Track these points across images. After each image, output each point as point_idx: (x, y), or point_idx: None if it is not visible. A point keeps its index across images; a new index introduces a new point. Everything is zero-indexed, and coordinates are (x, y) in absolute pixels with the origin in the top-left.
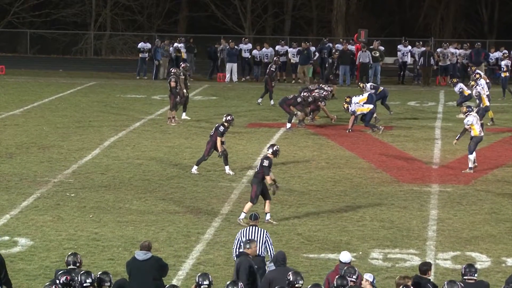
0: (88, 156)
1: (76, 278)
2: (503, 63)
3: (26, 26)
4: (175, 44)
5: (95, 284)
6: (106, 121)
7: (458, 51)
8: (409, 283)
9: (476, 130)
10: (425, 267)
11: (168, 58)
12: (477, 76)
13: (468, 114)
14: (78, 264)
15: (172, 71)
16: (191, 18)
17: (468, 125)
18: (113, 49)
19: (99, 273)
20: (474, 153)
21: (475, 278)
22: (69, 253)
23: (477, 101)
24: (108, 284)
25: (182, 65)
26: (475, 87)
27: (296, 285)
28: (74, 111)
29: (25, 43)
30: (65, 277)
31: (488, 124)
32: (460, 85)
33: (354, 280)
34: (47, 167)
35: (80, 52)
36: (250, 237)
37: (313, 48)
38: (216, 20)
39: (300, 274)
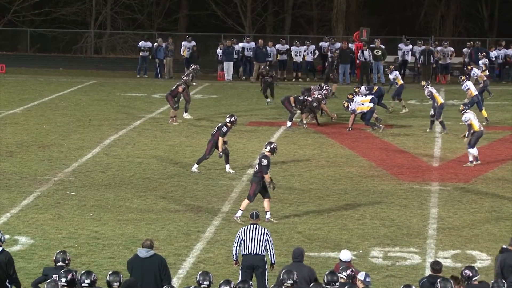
0: (89, 155)
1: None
2: (481, 62)
3: (27, 24)
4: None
5: (95, 285)
6: (106, 120)
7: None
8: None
9: (475, 126)
10: (438, 266)
11: (172, 57)
12: (463, 78)
13: (465, 112)
14: (67, 262)
15: (184, 78)
16: (191, 16)
17: (467, 121)
18: (113, 48)
19: (109, 273)
20: (475, 148)
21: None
22: (58, 251)
23: (430, 100)
24: (118, 284)
25: (193, 67)
26: (427, 86)
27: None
28: (75, 110)
29: (25, 42)
30: (70, 274)
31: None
32: (396, 72)
33: (345, 276)
34: (47, 165)
35: (80, 51)
36: (251, 235)
37: (313, 47)
38: (217, 19)
39: (335, 275)
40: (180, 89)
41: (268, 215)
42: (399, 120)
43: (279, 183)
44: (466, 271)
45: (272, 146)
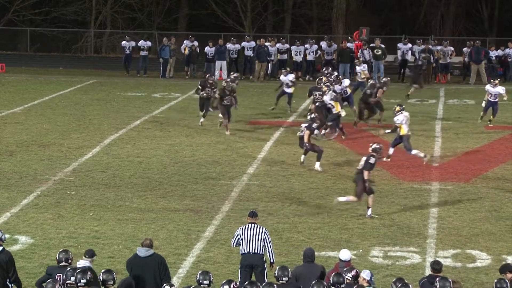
0: (89, 154)
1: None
2: None
3: (26, 24)
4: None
5: (90, 283)
6: (106, 119)
7: None
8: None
9: (404, 130)
10: (438, 266)
11: (175, 57)
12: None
13: (400, 113)
14: (69, 261)
15: (210, 80)
16: (192, 16)
17: (398, 123)
18: (113, 47)
19: (102, 271)
20: (393, 149)
21: None
22: (60, 250)
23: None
24: (112, 282)
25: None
26: (328, 92)
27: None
28: (75, 109)
29: (25, 41)
30: (89, 273)
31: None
32: (361, 67)
33: (350, 277)
34: (47, 165)
35: (80, 50)
36: (249, 235)
37: (315, 46)
38: (217, 18)
39: (341, 276)
40: (204, 94)
41: (369, 212)
42: None
43: (279, 182)
44: (398, 283)
45: (373, 147)
